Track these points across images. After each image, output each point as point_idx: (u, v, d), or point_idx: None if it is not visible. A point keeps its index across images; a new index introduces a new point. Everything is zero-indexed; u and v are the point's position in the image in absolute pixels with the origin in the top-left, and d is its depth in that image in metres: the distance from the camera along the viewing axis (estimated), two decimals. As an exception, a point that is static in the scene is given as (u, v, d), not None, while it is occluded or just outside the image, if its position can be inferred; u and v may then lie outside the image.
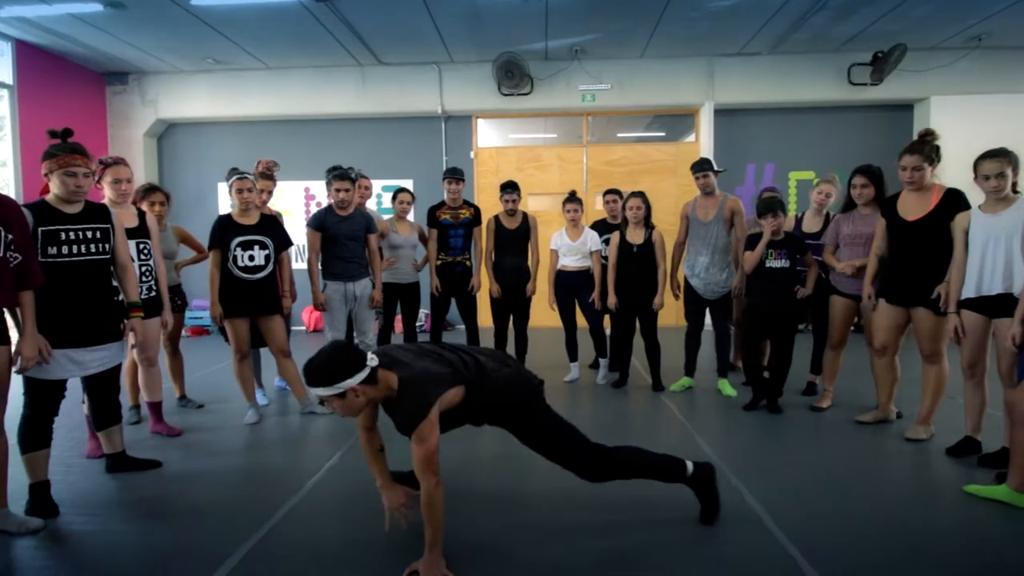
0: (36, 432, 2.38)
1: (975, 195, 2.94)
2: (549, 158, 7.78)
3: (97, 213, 2.53)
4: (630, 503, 2.39)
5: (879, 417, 3.46)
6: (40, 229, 2.33)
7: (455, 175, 4.47)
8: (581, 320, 4.48)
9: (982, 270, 2.76)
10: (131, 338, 2.69)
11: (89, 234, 2.46)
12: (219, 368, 5.08)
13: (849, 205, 3.66)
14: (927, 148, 3.10)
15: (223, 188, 7.63)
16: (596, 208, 6.18)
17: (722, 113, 7.32)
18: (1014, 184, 2.77)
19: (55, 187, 2.40)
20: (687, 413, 3.71)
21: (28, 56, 6.22)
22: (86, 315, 2.46)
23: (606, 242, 4.43)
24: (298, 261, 5.18)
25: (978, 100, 7.03)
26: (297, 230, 6.55)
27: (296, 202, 7.58)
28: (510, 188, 4.48)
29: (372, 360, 1.89)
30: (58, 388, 2.43)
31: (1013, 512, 2.30)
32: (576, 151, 7.77)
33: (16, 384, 2.26)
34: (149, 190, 3.56)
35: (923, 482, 2.69)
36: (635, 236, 4.16)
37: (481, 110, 7.50)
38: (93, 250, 2.47)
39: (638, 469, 2.24)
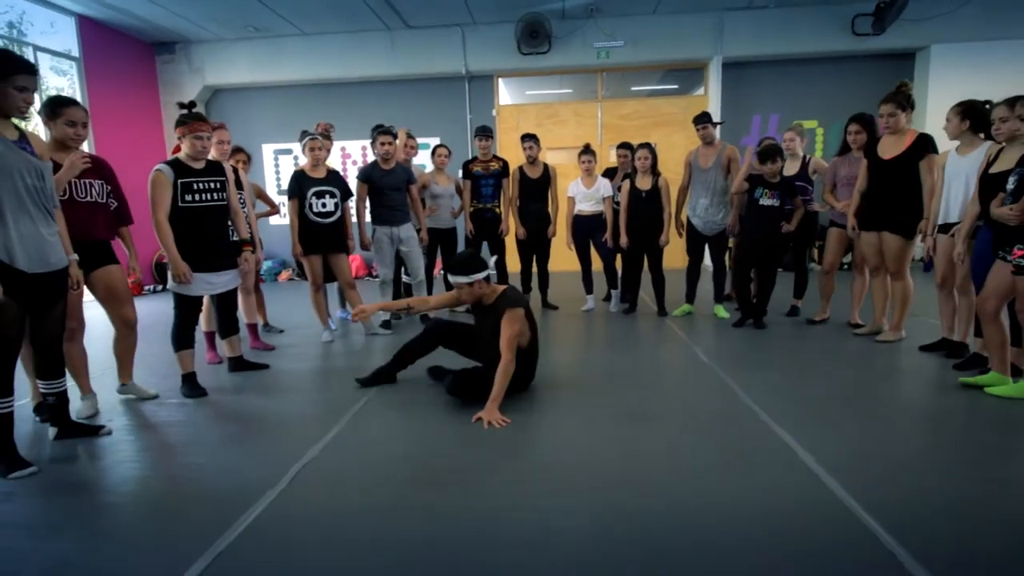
0: (184, 336, 3.18)
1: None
2: (566, 114, 8.26)
3: (216, 168, 3.22)
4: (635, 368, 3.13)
5: (873, 329, 4.06)
6: (179, 181, 3.04)
7: (485, 132, 5.08)
8: (595, 261, 5.15)
9: (947, 202, 3.36)
10: (243, 267, 3.42)
11: (212, 184, 3.16)
12: (280, 306, 5.84)
13: (844, 149, 4.25)
14: (899, 96, 3.68)
15: (268, 149, 8.35)
16: (610, 160, 6.71)
17: (730, 66, 7.69)
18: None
19: (186, 148, 3.09)
20: (687, 331, 4.39)
21: (89, 30, 6.82)
22: (215, 247, 3.20)
23: (618, 189, 5.04)
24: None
25: (978, 47, 7.30)
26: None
27: (333, 160, 8.18)
28: (529, 137, 5.08)
29: (491, 268, 2.73)
30: (198, 302, 3.21)
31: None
32: (591, 106, 8.24)
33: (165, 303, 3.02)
34: (235, 150, 4.24)
35: (883, 372, 3.34)
36: (644, 183, 4.76)
37: (502, 69, 7.97)
38: (216, 197, 3.18)
39: None
